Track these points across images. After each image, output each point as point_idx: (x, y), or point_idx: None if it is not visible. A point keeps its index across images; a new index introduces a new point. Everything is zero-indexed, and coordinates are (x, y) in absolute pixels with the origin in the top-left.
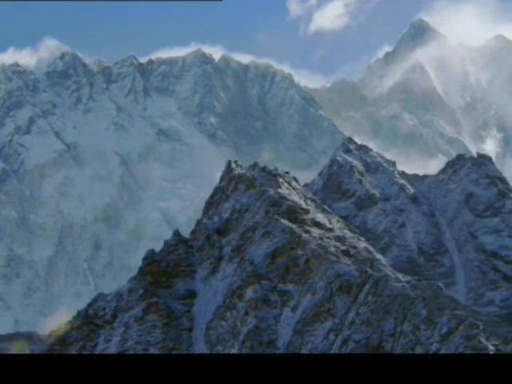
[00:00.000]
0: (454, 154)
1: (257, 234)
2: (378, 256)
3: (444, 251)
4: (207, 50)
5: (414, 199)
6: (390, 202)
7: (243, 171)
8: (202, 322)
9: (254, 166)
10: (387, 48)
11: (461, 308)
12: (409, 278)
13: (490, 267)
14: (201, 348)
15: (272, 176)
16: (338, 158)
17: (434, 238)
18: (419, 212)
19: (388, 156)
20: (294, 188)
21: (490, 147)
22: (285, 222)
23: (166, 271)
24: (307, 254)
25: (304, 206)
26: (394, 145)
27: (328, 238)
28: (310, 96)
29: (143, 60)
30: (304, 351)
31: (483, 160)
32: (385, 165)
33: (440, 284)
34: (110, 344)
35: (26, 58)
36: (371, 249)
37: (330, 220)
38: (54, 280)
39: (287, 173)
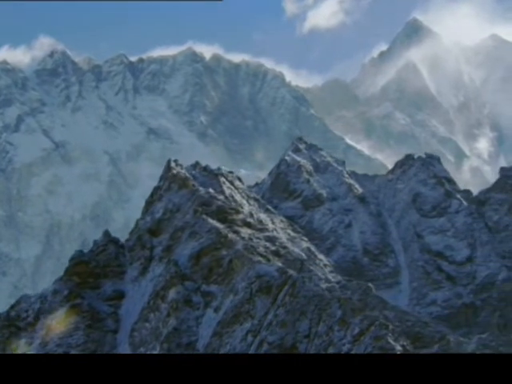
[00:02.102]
0: (446, 154)
1: (185, 234)
2: (320, 256)
3: (389, 251)
4: (204, 49)
5: (362, 199)
6: (338, 202)
7: (182, 170)
8: (128, 323)
9: (196, 165)
10: (384, 46)
11: (389, 308)
12: (339, 278)
13: (434, 267)
14: (125, 350)
15: (213, 175)
16: (286, 158)
17: (380, 238)
18: (366, 212)
19: (381, 156)
20: (236, 187)
21: (483, 146)
22: (212, 221)
23: (94, 272)
24: (231, 255)
25: (246, 206)
26: (386, 144)
27: (258, 238)
28: (301, 95)
29: (134, 58)
30: (222, 353)
31: (431, 160)
32: (334, 164)
33: (369, 284)
34: (31, 347)
35: (19, 56)
36: (313, 249)
37: (272, 220)
38: (41, 279)
39: (231, 172)
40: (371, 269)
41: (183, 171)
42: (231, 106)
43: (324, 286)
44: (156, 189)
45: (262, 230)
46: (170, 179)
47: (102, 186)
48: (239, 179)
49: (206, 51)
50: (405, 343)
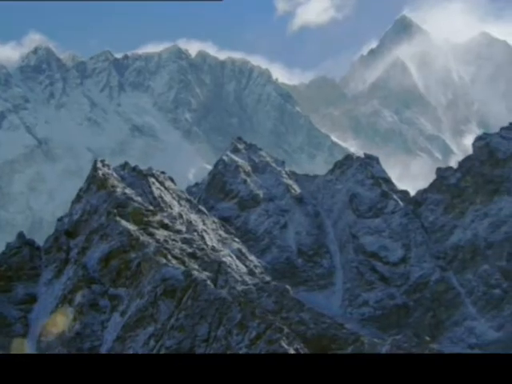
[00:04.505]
0: (434, 151)
1: (98, 236)
2: (251, 257)
3: (324, 252)
4: (197, 47)
5: (300, 200)
6: (274, 203)
7: (110, 171)
8: (38, 327)
9: (125, 165)
10: (374, 44)
11: (306, 310)
12: (257, 280)
13: (368, 268)
14: None
15: (143, 176)
16: (224, 158)
17: (315, 239)
18: (303, 213)
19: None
20: (166, 188)
21: (471, 142)
22: (125, 224)
23: (5, 275)
24: (140, 257)
25: (176, 206)
26: (373, 142)
27: (174, 240)
28: (287, 92)
29: (119, 55)
30: None
31: (370, 160)
32: (273, 165)
33: (287, 286)
34: None
35: (8, 52)
36: (244, 250)
37: (203, 221)
38: None
39: (163, 173)
40: (305, 270)
41: (110, 171)
42: (216, 103)
43: (240, 288)
44: (80, 190)
45: (178, 232)
46: (89, 180)
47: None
48: (171, 180)
49: (197, 49)
50: (298, 346)
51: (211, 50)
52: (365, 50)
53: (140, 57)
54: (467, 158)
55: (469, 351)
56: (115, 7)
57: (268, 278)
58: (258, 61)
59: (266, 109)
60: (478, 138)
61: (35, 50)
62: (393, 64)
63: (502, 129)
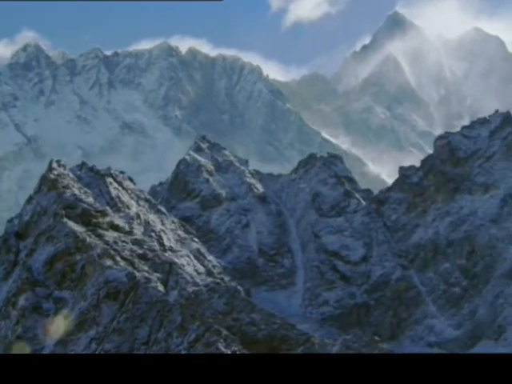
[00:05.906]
0: (426, 147)
1: (45, 237)
2: (210, 257)
3: (286, 251)
4: (193, 44)
5: (262, 199)
6: (237, 202)
7: (65, 171)
8: None
9: (82, 165)
10: (367, 40)
11: (257, 311)
12: (209, 281)
13: (329, 267)
14: None
15: (100, 176)
16: (186, 157)
17: (276, 239)
18: (265, 212)
19: (359, 151)
20: (125, 188)
21: None
22: (71, 225)
23: None
24: (84, 260)
25: (134, 206)
26: (365, 138)
27: (124, 241)
28: (278, 89)
29: (109, 52)
30: None
31: (333, 159)
32: (236, 164)
33: (238, 287)
34: None
35: (0, 49)
36: (203, 250)
37: (162, 221)
38: None
39: (122, 172)
40: (266, 269)
41: (66, 172)
42: (207, 100)
43: (191, 289)
44: (33, 190)
45: (129, 233)
46: (41, 180)
47: None
48: (131, 179)
49: (191, 46)
50: (236, 349)
51: (206, 47)
52: (358, 46)
53: (130, 54)
54: (429, 157)
55: (428, 349)
56: (114, 6)
57: (227, 278)
58: (253, 58)
59: (257, 105)
60: (440, 137)
61: (24, 48)
62: (385, 60)
63: (464, 127)
